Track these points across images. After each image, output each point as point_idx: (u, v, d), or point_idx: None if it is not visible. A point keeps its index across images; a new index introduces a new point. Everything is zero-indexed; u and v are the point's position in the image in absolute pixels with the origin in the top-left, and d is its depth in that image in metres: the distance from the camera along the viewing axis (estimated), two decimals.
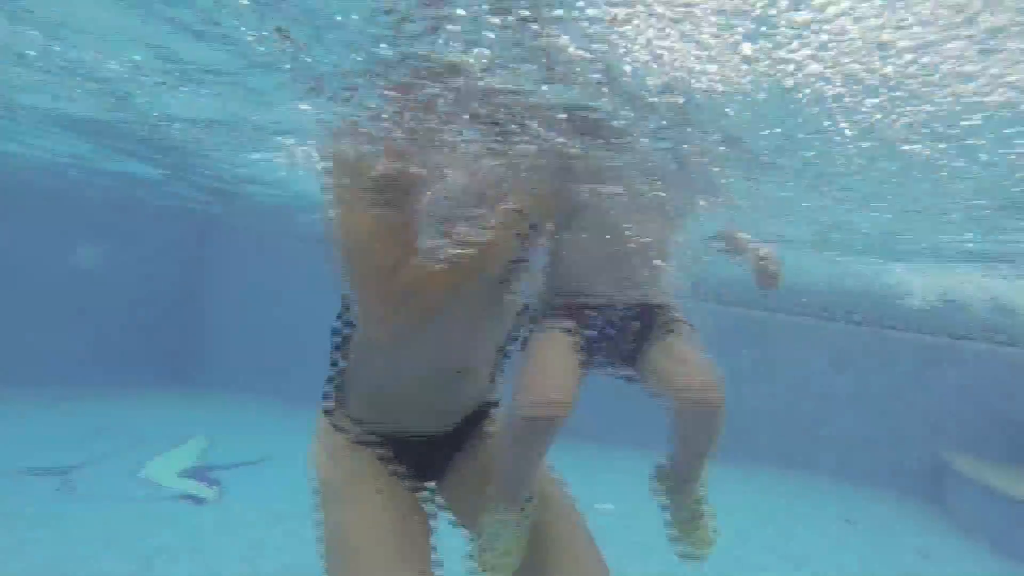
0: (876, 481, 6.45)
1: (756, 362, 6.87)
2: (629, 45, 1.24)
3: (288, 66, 1.64)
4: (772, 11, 1.12)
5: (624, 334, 1.27)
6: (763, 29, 1.17)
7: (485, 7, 1.18)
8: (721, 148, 1.62)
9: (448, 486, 1.51)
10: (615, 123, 1.43)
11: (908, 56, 1.23)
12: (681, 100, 1.40)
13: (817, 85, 1.37)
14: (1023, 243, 3.64)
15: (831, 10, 1.11)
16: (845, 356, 6.86)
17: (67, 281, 7.04)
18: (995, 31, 1.14)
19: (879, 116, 1.51)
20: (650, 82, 1.34)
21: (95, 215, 7.20)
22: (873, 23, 1.14)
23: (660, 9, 1.12)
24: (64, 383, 6.53)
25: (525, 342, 1.29)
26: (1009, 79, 1.28)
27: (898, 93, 1.38)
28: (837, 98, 1.42)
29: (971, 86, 1.32)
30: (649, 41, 1.22)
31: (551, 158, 1.39)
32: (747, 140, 1.65)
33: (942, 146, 1.72)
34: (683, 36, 1.19)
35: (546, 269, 1.33)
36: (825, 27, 1.15)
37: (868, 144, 1.72)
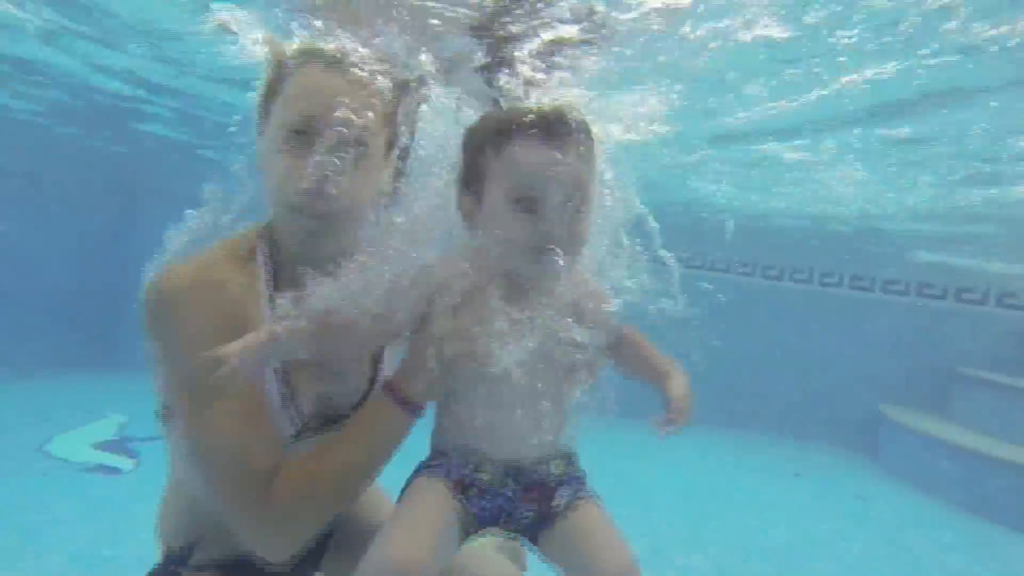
0: (816, 435, 6.65)
1: (695, 323, 6.92)
2: None
3: None
4: None
5: (520, 504, 1.11)
6: None
7: None
8: None
9: (326, 568, 1.38)
10: None
11: None
12: None
13: None
14: None
15: None
16: (783, 314, 7.04)
17: None
18: None
19: None
20: None
21: None
22: None
23: None
24: None
25: (410, 481, 1.14)
26: None
27: None
28: None
29: None
30: None
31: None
32: None
33: None
34: None
35: (437, 411, 1.17)
36: None
37: None
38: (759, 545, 3.96)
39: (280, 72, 1.13)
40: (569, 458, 1.16)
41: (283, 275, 1.15)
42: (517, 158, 1.02)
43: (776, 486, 5.31)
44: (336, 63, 1.10)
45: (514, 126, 1.03)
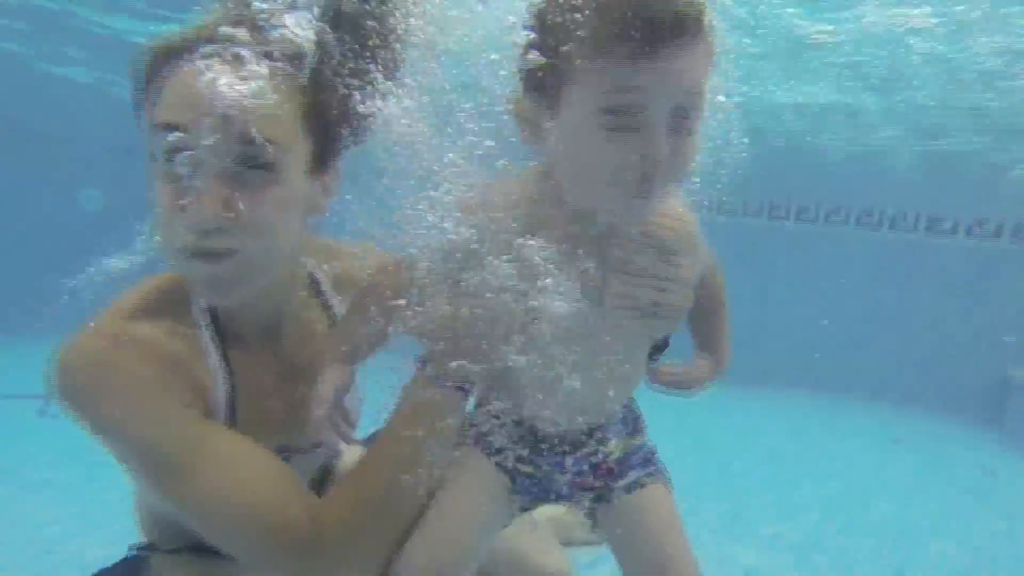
0: (925, 402, 5.85)
1: (785, 277, 6.29)
2: None
3: None
4: None
5: (575, 489, 0.99)
6: None
7: None
8: None
9: None
10: None
11: None
12: None
13: None
14: None
15: None
16: (887, 267, 6.22)
17: None
18: None
19: None
20: None
21: None
22: None
23: None
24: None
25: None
26: None
27: None
28: None
29: None
30: None
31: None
32: None
33: None
34: None
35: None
36: None
37: None
38: (859, 517, 3.45)
39: (157, 64, 0.86)
40: (635, 429, 1.02)
41: (228, 318, 0.97)
42: (619, 53, 0.72)
43: (874, 454, 4.70)
44: (223, 52, 0.81)
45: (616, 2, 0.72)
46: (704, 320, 1.01)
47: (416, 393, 0.90)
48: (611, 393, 0.92)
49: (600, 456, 0.97)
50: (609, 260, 0.84)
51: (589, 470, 0.97)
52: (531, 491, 0.98)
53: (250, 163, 0.81)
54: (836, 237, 6.41)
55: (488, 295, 0.82)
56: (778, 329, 6.19)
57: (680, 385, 1.00)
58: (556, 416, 0.92)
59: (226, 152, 0.80)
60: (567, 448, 0.96)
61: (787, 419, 5.29)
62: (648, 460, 1.01)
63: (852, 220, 6.38)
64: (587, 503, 1.00)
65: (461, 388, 0.90)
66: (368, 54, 0.88)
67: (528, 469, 0.96)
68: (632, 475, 0.98)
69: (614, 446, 0.98)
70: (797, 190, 6.41)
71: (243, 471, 0.86)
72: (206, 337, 0.94)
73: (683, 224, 0.89)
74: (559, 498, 1.00)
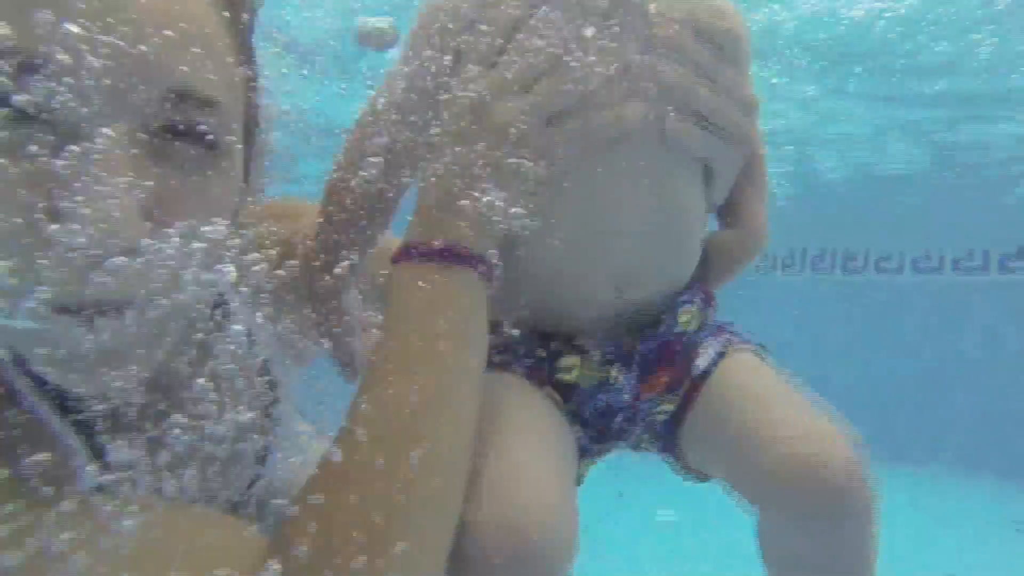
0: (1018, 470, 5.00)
1: (884, 336, 5.67)
2: None
3: None
4: None
5: (641, 399, 0.79)
6: None
7: None
8: None
9: None
10: None
11: None
12: None
13: None
14: None
15: None
16: (958, 314, 5.56)
17: None
18: None
19: None
20: None
21: None
22: None
23: None
24: None
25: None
26: None
27: None
28: None
29: None
30: None
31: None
32: None
33: None
34: None
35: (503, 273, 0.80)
36: None
37: None
38: None
39: None
40: (705, 302, 0.82)
41: None
42: None
43: (992, 544, 3.91)
44: None
45: None
46: (740, 178, 0.81)
47: (421, 295, 0.60)
48: (664, 255, 0.74)
49: (668, 333, 0.78)
50: (653, 42, 0.67)
51: (657, 358, 0.77)
52: (584, 412, 0.80)
53: (182, 136, 0.50)
54: (899, 285, 5.87)
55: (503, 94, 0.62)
56: (881, 396, 5.50)
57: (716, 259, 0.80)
58: (590, 300, 0.73)
59: (143, 114, 0.47)
60: (620, 337, 0.77)
61: (898, 504, 4.49)
62: (720, 329, 0.83)
63: (906, 266, 5.86)
64: (663, 419, 0.79)
65: (488, 275, 0.63)
66: None
67: (570, 378, 0.76)
68: (709, 348, 0.80)
69: (685, 317, 0.78)
70: (874, 236, 5.96)
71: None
72: (47, 418, 0.58)
73: (739, 21, 0.72)
74: (624, 422, 0.79)
